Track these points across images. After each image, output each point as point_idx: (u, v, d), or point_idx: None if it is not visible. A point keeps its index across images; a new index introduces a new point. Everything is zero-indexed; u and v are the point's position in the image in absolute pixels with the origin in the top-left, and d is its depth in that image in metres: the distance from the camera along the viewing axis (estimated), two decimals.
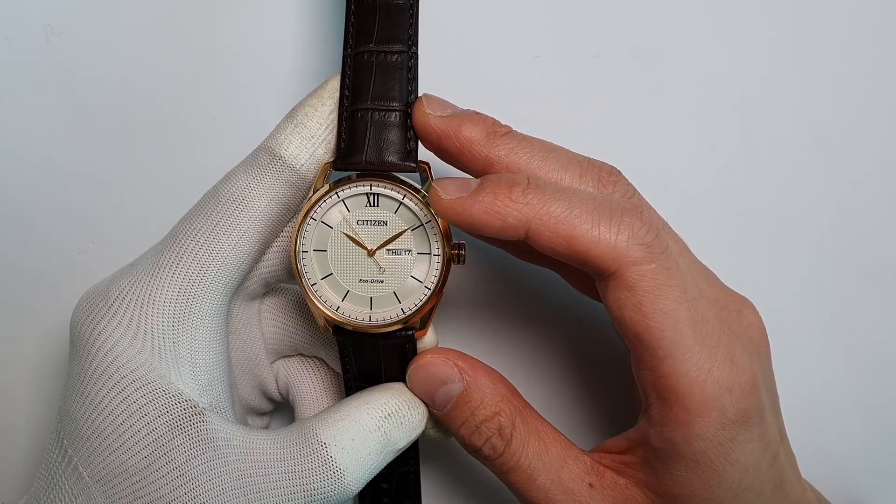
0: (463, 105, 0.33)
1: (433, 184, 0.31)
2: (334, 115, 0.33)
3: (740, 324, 0.34)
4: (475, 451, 0.33)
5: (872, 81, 0.42)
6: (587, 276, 0.39)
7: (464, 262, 0.33)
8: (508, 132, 0.33)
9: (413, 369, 0.33)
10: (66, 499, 0.29)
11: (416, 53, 0.33)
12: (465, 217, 0.30)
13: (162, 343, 0.30)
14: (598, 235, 0.30)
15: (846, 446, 0.42)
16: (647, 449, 0.32)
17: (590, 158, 0.33)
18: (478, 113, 0.33)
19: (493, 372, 0.34)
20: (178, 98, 0.43)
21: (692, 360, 0.30)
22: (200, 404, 0.30)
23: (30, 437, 0.43)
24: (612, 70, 0.42)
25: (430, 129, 0.32)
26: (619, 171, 0.34)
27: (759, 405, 0.31)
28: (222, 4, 0.42)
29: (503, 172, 0.32)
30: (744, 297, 0.35)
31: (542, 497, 0.32)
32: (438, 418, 0.34)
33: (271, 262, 0.34)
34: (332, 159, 0.33)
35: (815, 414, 0.42)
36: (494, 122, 0.33)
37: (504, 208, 0.30)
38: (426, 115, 0.32)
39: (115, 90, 0.43)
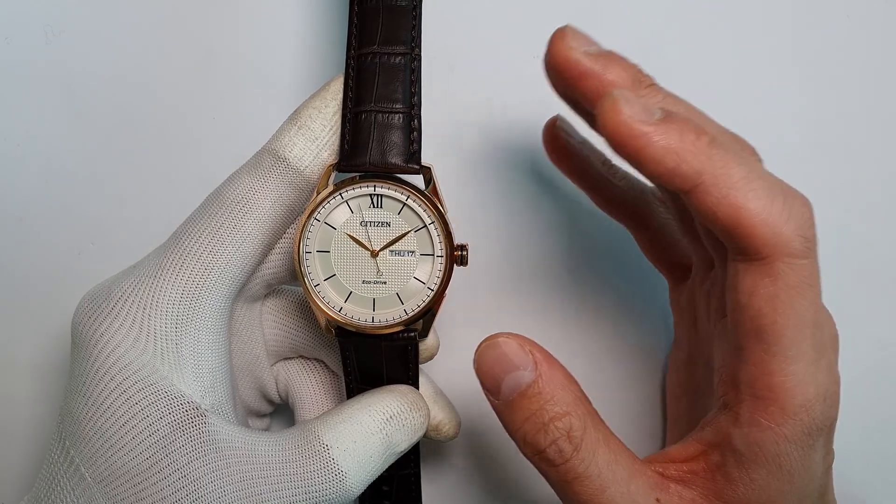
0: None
1: (614, 92, 0.28)
2: (338, 117, 0.32)
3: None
4: (536, 454, 0.30)
5: (872, 81, 0.42)
6: (666, 245, 0.37)
7: (466, 264, 0.33)
8: (652, 84, 0.30)
9: (485, 346, 0.30)
10: (68, 499, 0.29)
11: (420, 55, 0.33)
12: (640, 143, 0.28)
13: (165, 345, 0.30)
14: (768, 216, 0.28)
15: (846, 446, 0.42)
16: (727, 451, 0.30)
17: (734, 133, 0.32)
18: (620, 55, 0.30)
19: (567, 371, 0.31)
20: (178, 98, 0.43)
21: (801, 362, 0.29)
22: (203, 406, 0.30)
23: (30, 437, 0.43)
24: None
25: (573, 66, 0.29)
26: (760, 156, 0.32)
27: (836, 415, 0.30)
28: (223, 4, 0.42)
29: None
30: (826, 309, 0.33)
31: None
32: (496, 408, 0.31)
33: (274, 263, 0.34)
34: (335, 161, 0.33)
35: None
36: (639, 70, 0.31)
37: (685, 152, 0.28)
38: (570, 49, 0.29)
39: (115, 90, 0.43)
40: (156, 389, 0.29)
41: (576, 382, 0.31)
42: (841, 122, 0.42)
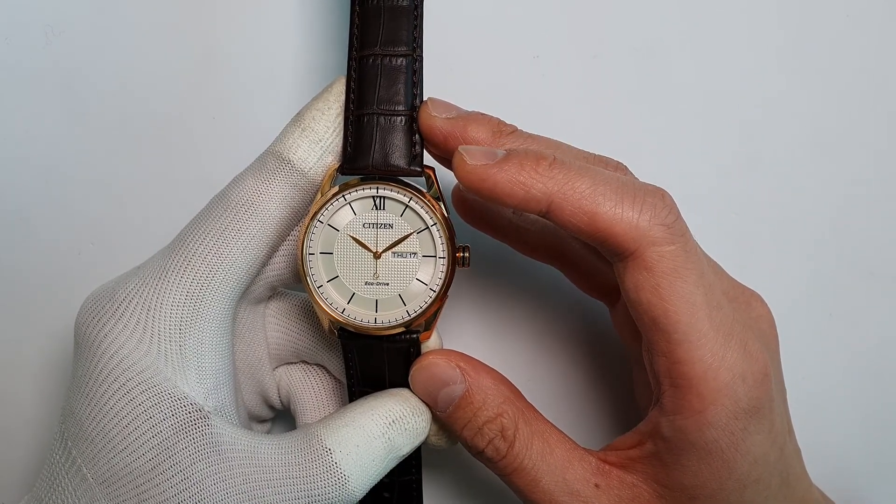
0: (463, 106, 0.33)
1: (459, 148, 0.31)
2: (341, 119, 0.33)
3: (749, 314, 0.34)
4: (478, 453, 0.33)
5: (872, 81, 0.42)
6: (590, 273, 0.39)
7: (468, 265, 0.33)
8: (514, 131, 0.33)
9: (415, 371, 0.33)
10: (69, 500, 0.29)
11: (421, 56, 0.33)
12: (489, 185, 0.30)
13: (168, 346, 0.30)
14: (621, 214, 0.30)
15: (846, 446, 0.42)
16: (658, 440, 0.31)
17: (596, 154, 0.34)
18: (482, 113, 0.33)
19: (495, 373, 0.34)
20: (177, 98, 0.43)
21: (707, 346, 0.30)
22: (205, 408, 0.30)
23: (30, 437, 0.43)
24: (612, 70, 0.42)
25: (435, 132, 0.32)
26: (626, 167, 0.34)
27: (769, 396, 0.31)
28: (223, 5, 0.42)
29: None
30: (752, 290, 0.35)
31: (546, 499, 0.32)
32: (441, 420, 0.34)
33: (278, 265, 0.34)
34: (338, 164, 0.33)
35: (815, 414, 0.42)
36: (499, 122, 0.33)
37: (529, 180, 0.30)
38: (431, 118, 0.32)
39: (115, 91, 0.43)
40: (159, 391, 0.29)
41: (506, 382, 0.34)
42: (841, 121, 0.42)
